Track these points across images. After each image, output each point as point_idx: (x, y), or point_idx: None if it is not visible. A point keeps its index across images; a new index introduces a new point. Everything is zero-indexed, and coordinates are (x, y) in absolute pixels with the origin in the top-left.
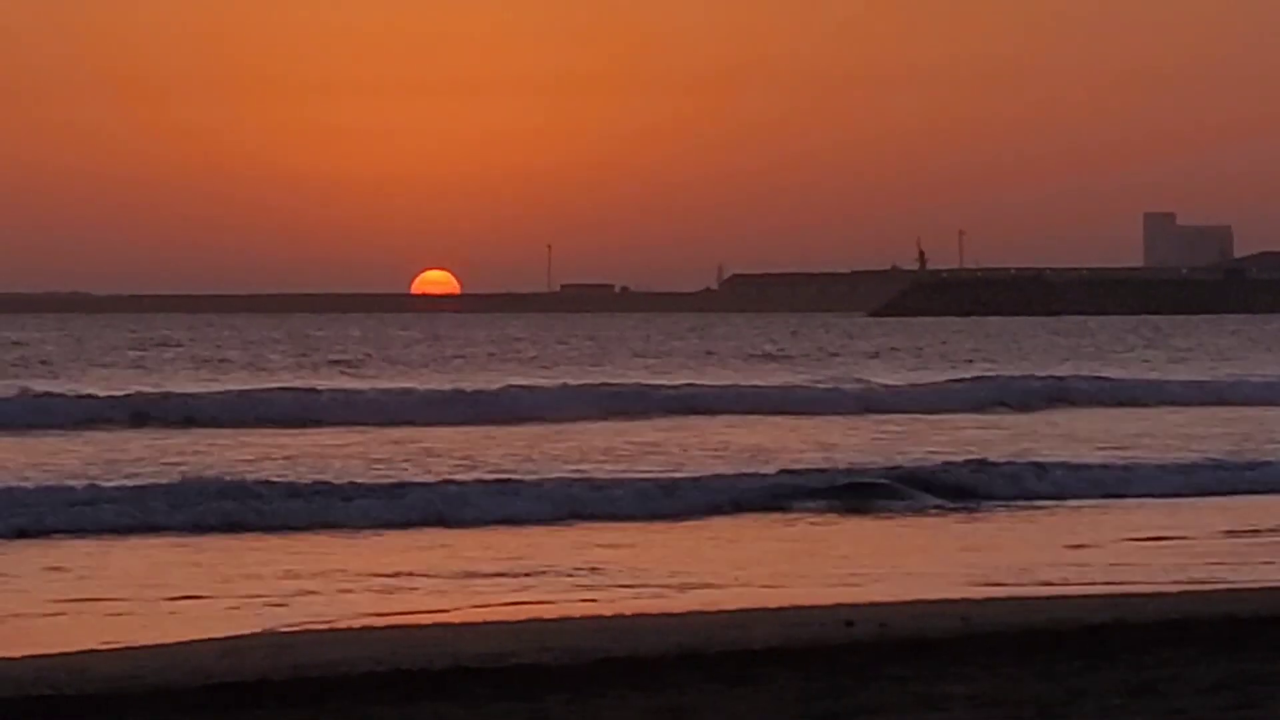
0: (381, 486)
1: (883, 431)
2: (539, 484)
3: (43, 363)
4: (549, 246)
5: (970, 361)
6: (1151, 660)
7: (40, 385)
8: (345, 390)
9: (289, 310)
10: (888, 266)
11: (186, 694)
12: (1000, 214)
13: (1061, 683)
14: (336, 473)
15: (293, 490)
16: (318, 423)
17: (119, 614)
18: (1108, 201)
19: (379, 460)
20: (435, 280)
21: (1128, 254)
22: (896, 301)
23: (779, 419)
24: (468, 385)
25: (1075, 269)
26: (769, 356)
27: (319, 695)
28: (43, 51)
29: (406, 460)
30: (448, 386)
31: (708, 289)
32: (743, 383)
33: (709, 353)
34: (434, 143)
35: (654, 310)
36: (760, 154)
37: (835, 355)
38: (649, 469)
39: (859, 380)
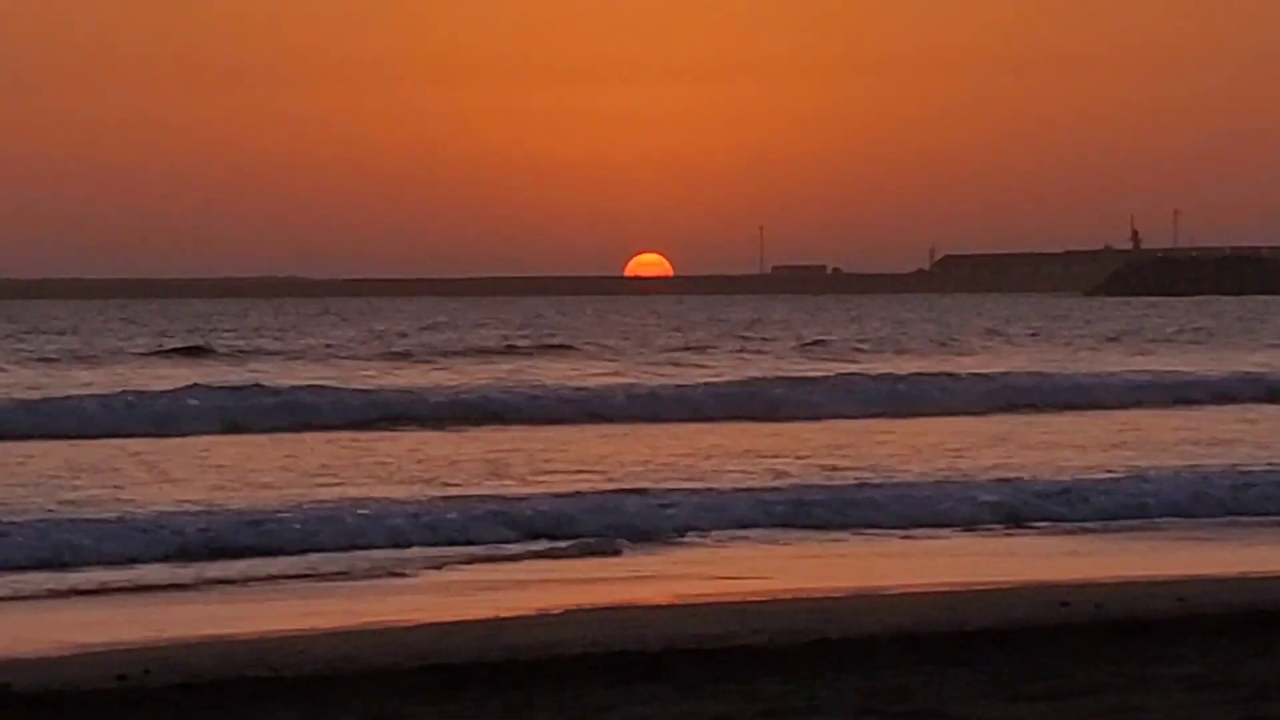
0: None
1: None
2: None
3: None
4: (760, 228)
5: None
6: None
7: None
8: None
9: (501, 294)
10: (1100, 247)
11: (401, 675)
12: (1215, 193)
13: (1279, 664)
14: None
15: None
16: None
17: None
18: None
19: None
20: (649, 263)
21: None
22: (1113, 281)
23: None
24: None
25: None
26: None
27: (532, 677)
28: (268, 41)
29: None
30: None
31: (920, 270)
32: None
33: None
34: (647, 126)
35: (866, 291)
36: (971, 134)
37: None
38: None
39: None
